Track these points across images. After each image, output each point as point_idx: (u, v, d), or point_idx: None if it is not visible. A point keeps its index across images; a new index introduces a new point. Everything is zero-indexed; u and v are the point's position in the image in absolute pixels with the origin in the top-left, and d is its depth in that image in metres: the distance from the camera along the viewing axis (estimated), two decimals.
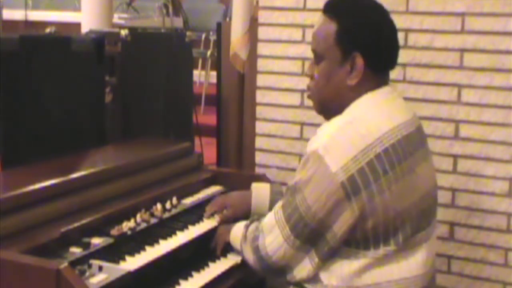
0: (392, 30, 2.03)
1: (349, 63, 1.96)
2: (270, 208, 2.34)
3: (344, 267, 1.93)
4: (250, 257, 2.10)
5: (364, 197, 1.86)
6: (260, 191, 2.43)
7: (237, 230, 2.21)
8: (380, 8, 2.04)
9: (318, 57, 2.02)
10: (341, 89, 1.99)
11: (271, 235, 2.01)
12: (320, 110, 2.10)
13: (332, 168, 1.86)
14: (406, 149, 1.94)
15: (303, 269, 1.98)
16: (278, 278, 2.08)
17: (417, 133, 2.03)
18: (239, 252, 2.19)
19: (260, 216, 2.21)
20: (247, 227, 2.16)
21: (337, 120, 1.98)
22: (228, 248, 2.28)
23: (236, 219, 2.35)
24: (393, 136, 1.92)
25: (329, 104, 2.04)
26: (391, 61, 2.05)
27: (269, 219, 2.04)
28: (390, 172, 1.88)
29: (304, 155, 1.99)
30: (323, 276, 1.96)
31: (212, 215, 2.42)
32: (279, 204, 2.02)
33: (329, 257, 1.95)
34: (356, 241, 1.92)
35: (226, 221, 2.37)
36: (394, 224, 1.91)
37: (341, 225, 1.89)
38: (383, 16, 2.03)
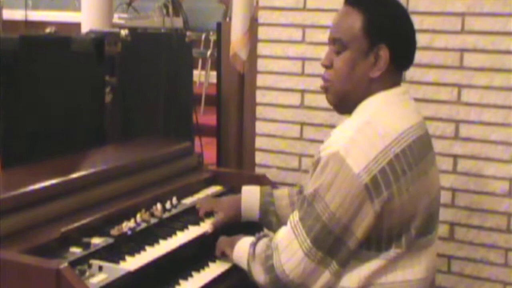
0: (413, 30, 2.03)
1: (374, 54, 1.95)
2: (261, 211, 2.34)
3: (354, 268, 1.92)
4: (261, 277, 2.01)
5: (385, 198, 1.85)
6: (250, 194, 2.38)
7: (242, 248, 2.11)
8: (402, 5, 2.04)
9: (341, 47, 1.98)
10: (362, 81, 1.97)
11: (287, 251, 1.92)
12: (337, 101, 2.04)
13: (354, 170, 1.83)
14: (420, 150, 1.94)
15: (323, 283, 1.93)
16: None
17: (426, 136, 2.03)
18: (245, 270, 2.09)
19: (266, 231, 2.16)
20: (253, 245, 2.06)
21: (353, 121, 1.96)
22: None
23: (227, 224, 2.33)
24: (409, 136, 1.92)
25: (347, 96, 2.00)
26: (411, 59, 2.05)
27: (285, 234, 1.95)
28: (408, 172, 1.88)
29: (318, 160, 1.93)
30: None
31: (204, 215, 2.39)
32: (295, 218, 1.93)
33: (348, 262, 1.92)
34: (369, 241, 1.90)
35: (217, 226, 2.32)
36: (407, 225, 1.91)
37: (364, 230, 1.86)
38: (406, 12, 2.04)
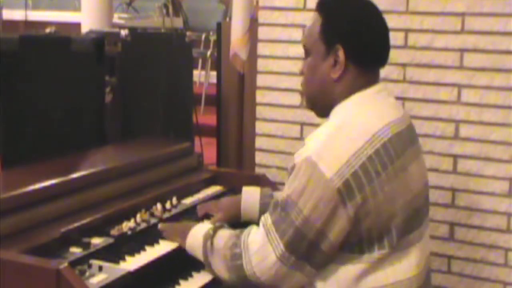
0: (379, 27, 2.03)
1: (333, 56, 1.98)
2: (261, 212, 2.32)
3: (340, 274, 1.91)
4: (224, 273, 2.00)
5: (359, 201, 1.84)
6: (250, 195, 2.39)
7: (196, 238, 2.09)
8: (369, 6, 2.04)
9: (306, 53, 2.05)
10: (326, 83, 2.00)
11: (259, 254, 1.91)
12: (310, 105, 2.10)
13: (327, 175, 1.83)
14: (397, 147, 1.93)
15: (296, 283, 1.93)
16: None
17: (408, 131, 2.03)
18: (199, 260, 2.07)
19: (225, 223, 2.15)
20: (211, 237, 2.04)
21: (325, 127, 1.97)
22: None
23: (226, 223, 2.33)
24: (384, 135, 1.91)
25: (316, 99, 2.05)
26: (377, 58, 2.04)
27: (257, 237, 1.93)
28: (383, 173, 1.87)
29: (292, 167, 1.94)
30: (319, 284, 1.94)
31: (203, 216, 2.40)
32: (268, 221, 1.92)
33: (326, 266, 1.92)
34: (350, 245, 1.89)
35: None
36: (387, 225, 1.90)
37: (337, 233, 1.86)
38: (371, 13, 2.03)
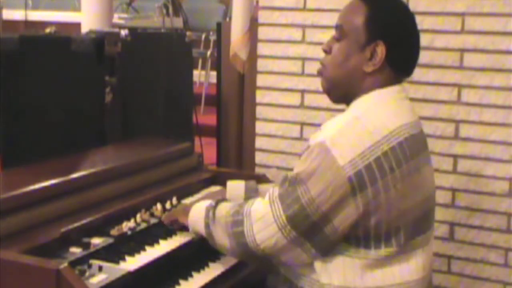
0: (418, 36, 2.04)
1: (370, 49, 1.96)
2: None
3: (346, 266, 1.92)
4: (225, 242, 2.01)
5: (370, 194, 1.85)
6: (234, 190, 2.40)
7: (197, 211, 2.13)
8: (409, 9, 2.05)
9: (341, 34, 2.00)
10: (354, 73, 1.98)
11: (261, 222, 1.92)
12: (328, 87, 2.06)
13: (339, 162, 1.84)
14: (412, 148, 1.93)
15: (296, 258, 1.94)
16: (258, 263, 2.04)
17: (421, 136, 2.03)
18: (202, 234, 2.10)
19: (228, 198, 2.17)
20: (213, 208, 2.06)
21: (344, 116, 1.97)
22: None
23: None
24: (400, 134, 1.92)
25: (338, 86, 2.02)
26: (410, 64, 2.05)
27: (261, 205, 1.95)
28: (396, 170, 1.88)
29: (307, 148, 1.95)
30: (323, 275, 1.94)
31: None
32: (275, 194, 1.93)
33: (329, 251, 1.92)
34: (357, 238, 1.90)
35: None
36: (396, 223, 1.90)
37: (342, 220, 1.86)
38: (413, 17, 2.05)
